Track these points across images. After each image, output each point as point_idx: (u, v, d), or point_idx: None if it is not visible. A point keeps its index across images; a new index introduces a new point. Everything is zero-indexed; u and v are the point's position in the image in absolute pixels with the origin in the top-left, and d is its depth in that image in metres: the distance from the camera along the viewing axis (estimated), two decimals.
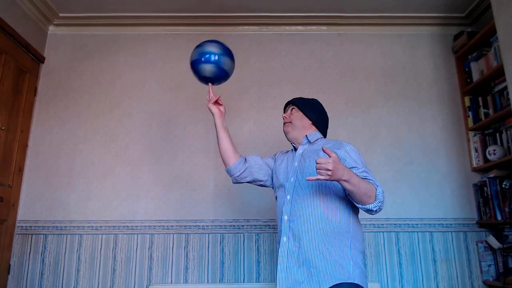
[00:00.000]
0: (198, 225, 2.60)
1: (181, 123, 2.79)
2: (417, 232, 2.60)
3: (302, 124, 1.69)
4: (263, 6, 2.80)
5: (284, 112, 1.79)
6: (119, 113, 2.80)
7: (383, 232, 2.60)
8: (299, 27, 2.97)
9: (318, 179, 1.29)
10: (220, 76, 1.67)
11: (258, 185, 1.80)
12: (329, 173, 1.26)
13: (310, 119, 1.70)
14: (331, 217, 1.43)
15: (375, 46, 2.94)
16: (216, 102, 1.71)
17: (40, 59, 2.82)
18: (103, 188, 2.66)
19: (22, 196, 2.63)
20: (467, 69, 2.80)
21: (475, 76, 2.70)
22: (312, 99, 1.78)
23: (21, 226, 2.58)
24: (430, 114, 2.81)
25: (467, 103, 2.76)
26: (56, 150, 2.72)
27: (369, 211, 1.39)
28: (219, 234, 2.59)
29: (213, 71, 1.63)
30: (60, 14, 2.88)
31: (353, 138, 2.74)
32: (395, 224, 2.60)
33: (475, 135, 2.72)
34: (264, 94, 2.80)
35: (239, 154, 1.73)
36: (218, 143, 1.71)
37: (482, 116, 2.64)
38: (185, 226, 2.60)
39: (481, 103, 2.66)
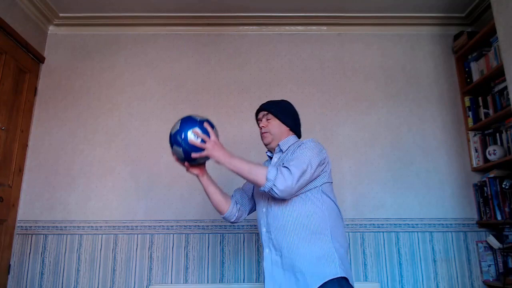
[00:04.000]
0: (198, 225, 2.60)
1: None
2: (417, 232, 2.60)
3: (280, 132, 1.66)
4: (263, 6, 2.80)
5: (257, 119, 1.73)
6: (119, 113, 2.80)
7: (383, 232, 2.60)
8: (299, 27, 2.97)
9: (201, 155, 1.44)
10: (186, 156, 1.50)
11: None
12: (206, 152, 1.44)
13: (287, 126, 1.67)
14: (306, 222, 1.44)
15: (375, 46, 2.94)
16: (192, 166, 1.61)
17: (40, 59, 2.82)
18: (103, 188, 2.66)
19: (22, 196, 2.63)
20: (467, 69, 2.80)
21: (475, 76, 2.70)
22: (283, 100, 1.74)
23: (21, 226, 2.58)
24: (430, 114, 2.81)
25: (467, 103, 2.76)
26: (56, 150, 2.72)
27: (266, 192, 1.44)
28: (219, 234, 2.59)
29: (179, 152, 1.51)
30: (60, 14, 2.88)
31: (353, 138, 2.75)
32: (395, 224, 2.60)
33: (475, 135, 2.72)
34: (264, 94, 2.80)
35: (229, 197, 1.72)
36: (208, 198, 1.67)
37: (482, 116, 2.64)
38: (185, 226, 2.60)
39: (481, 103, 2.66)
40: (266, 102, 1.72)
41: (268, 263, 1.49)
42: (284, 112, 1.69)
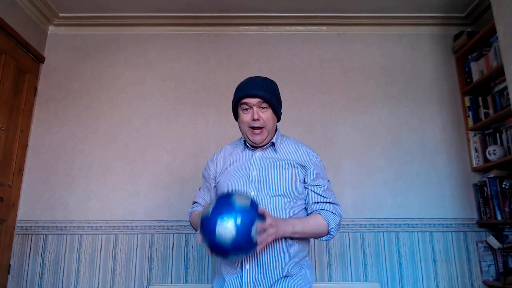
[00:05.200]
0: None
1: (181, 123, 2.79)
2: (417, 232, 2.60)
3: (273, 126, 1.43)
4: (263, 6, 2.80)
5: (243, 103, 1.39)
6: (119, 113, 2.80)
7: (383, 232, 2.60)
8: (299, 27, 2.97)
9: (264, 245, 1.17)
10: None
11: None
12: (272, 238, 1.19)
13: (278, 117, 1.45)
14: (295, 241, 1.35)
15: (375, 46, 2.94)
16: None
17: (40, 59, 2.82)
18: (103, 188, 2.66)
19: (22, 196, 2.63)
20: (467, 69, 2.80)
21: (475, 76, 2.70)
22: (273, 82, 1.46)
23: (21, 226, 2.58)
24: (430, 114, 2.81)
25: (467, 103, 2.76)
26: (56, 150, 2.72)
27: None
28: None
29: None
30: (60, 14, 2.88)
31: (353, 138, 2.75)
32: (395, 224, 2.60)
33: (475, 135, 2.72)
34: None
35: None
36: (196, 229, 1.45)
37: (482, 116, 2.64)
38: (185, 226, 2.60)
39: (481, 103, 2.66)
40: (259, 83, 1.40)
41: (249, 280, 1.29)
42: (279, 100, 1.45)
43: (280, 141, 1.48)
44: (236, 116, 1.48)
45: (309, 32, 2.97)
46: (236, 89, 1.45)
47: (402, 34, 2.96)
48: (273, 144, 1.45)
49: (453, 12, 2.89)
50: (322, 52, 2.93)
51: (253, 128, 1.39)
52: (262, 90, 1.37)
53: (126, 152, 2.72)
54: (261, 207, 1.18)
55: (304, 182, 1.44)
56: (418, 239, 2.59)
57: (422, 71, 2.89)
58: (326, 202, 1.41)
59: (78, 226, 2.59)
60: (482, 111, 2.65)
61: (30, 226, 2.59)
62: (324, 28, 2.97)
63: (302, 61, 2.91)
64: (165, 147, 2.73)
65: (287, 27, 2.97)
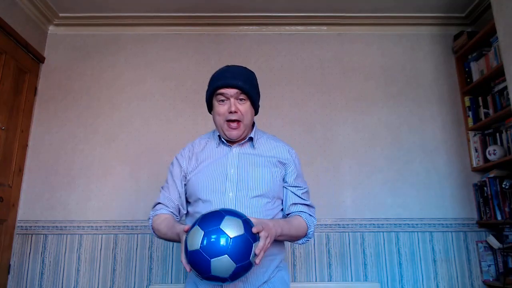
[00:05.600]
0: None
1: (181, 123, 2.79)
2: (417, 232, 2.60)
3: (251, 119, 1.32)
4: (263, 6, 2.80)
5: (218, 94, 1.27)
6: (119, 113, 2.80)
7: (383, 232, 2.60)
8: (299, 27, 2.97)
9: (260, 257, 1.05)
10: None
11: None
12: (269, 241, 1.08)
13: (256, 110, 1.36)
14: (275, 244, 1.25)
15: (375, 46, 2.94)
16: None
17: (40, 59, 2.82)
18: (103, 188, 2.66)
19: (22, 196, 2.63)
20: (467, 69, 2.80)
21: (475, 76, 2.70)
22: (251, 71, 1.37)
23: (21, 226, 2.58)
24: (430, 114, 2.81)
25: (467, 103, 2.76)
26: (56, 150, 2.72)
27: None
28: None
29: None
30: (60, 14, 2.88)
31: (353, 138, 2.75)
32: (395, 224, 2.60)
33: (475, 135, 2.72)
34: (264, 94, 2.76)
35: (172, 215, 1.34)
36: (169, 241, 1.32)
37: (482, 116, 2.64)
38: None
39: (481, 103, 2.66)
40: (237, 72, 1.29)
41: None
42: (258, 92, 1.35)
43: (258, 136, 1.38)
44: (211, 108, 1.36)
45: (309, 32, 2.97)
46: (211, 78, 1.33)
47: (402, 34, 2.96)
48: (251, 139, 1.35)
49: (453, 12, 2.89)
50: (322, 52, 2.93)
51: (230, 121, 1.28)
52: (241, 80, 1.26)
53: (126, 152, 2.72)
54: (254, 229, 1.03)
55: (284, 181, 1.36)
56: (418, 239, 2.59)
57: (422, 71, 2.89)
58: (305, 204, 1.36)
59: (78, 226, 2.59)
60: (482, 111, 2.65)
61: (30, 226, 2.59)
62: (324, 28, 2.97)
63: (302, 61, 2.91)
64: (165, 147, 2.73)
65: (287, 27, 2.97)
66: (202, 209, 1.25)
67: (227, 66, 1.35)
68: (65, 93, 2.82)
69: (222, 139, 1.34)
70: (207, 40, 2.93)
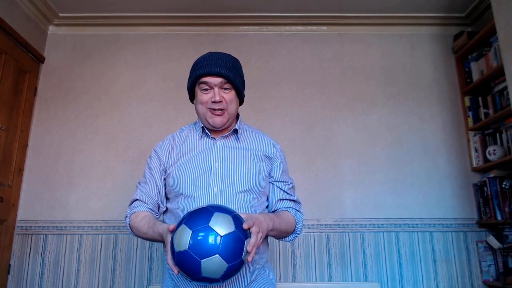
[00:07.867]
0: None
1: (181, 123, 2.78)
2: (417, 232, 2.60)
3: (236, 109, 1.27)
4: (263, 6, 2.80)
5: (203, 87, 1.22)
6: (119, 113, 2.80)
7: (383, 232, 2.60)
8: (299, 27, 2.97)
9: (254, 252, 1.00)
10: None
11: None
12: (261, 236, 1.04)
13: (241, 100, 1.31)
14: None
15: (375, 46, 2.94)
16: None
17: (40, 59, 2.82)
18: (103, 188, 2.66)
19: (22, 196, 2.63)
20: (467, 69, 2.80)
21: (475, 76, 2.70)
22: (236, 59, 1.32)
23: (21, 226, 2.58)
24: (430, 114, 2.81)
25: (467, 103, 2.76)
26: (56, 150, 2.72)
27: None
28: None
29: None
30: (60, 14, 2.88)
31: (353, 138, 2.75)
32: (395, 224, 2.60)
33: (475, 135, 2.72)
34: (264, 94, 2.80)
35: (151, 213, 1.27)
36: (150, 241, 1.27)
37: (482, 116, 2.64)
38: None
39: (481, 103, 2.66)
40: (221, 60, 1.23)
41: None
42: (243, 81, 1.30)
43: (243, 129, 1.34)
44: (193, 97, 1.30)
45: (309, 32, 2.97)
46: (194, 65, 1.26)
47: (402, 34, 2.96)
48: (235, 131, 1.29)
49: (453, 12, 2.89)
50: (322, 52, 2.93)
51: (214, 110, 1.22)
52: (225, 68, 1.20)
53: (126, 152, 2.72)
54: (245, 224, 0.99)
55: (270, 176, 1.31)
56: (418, 239, 2.59)
57: (422, 71, 2.89)
58: (292, 200, 1.32)
59: (78, 226, 2.59)
60: (482, 111, 2.65)
61: (30, 226, 2.59)
62: (324, 28, 2.97)
63: (302, 61, 2.91)
64: None
65: (287, 27, 2.97)
66: (184, 205, 1.19)
67: (211, 53, 1.27)
68: (65, 93, 2.83)
69: (206, 131, 1.29)
70: (207, 40, 2.93)
